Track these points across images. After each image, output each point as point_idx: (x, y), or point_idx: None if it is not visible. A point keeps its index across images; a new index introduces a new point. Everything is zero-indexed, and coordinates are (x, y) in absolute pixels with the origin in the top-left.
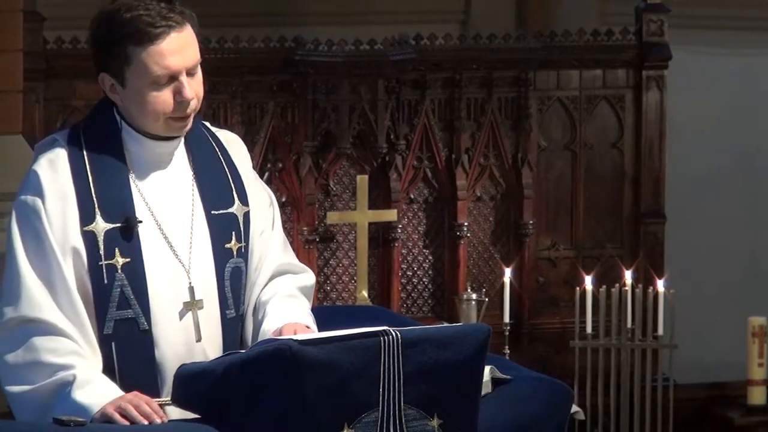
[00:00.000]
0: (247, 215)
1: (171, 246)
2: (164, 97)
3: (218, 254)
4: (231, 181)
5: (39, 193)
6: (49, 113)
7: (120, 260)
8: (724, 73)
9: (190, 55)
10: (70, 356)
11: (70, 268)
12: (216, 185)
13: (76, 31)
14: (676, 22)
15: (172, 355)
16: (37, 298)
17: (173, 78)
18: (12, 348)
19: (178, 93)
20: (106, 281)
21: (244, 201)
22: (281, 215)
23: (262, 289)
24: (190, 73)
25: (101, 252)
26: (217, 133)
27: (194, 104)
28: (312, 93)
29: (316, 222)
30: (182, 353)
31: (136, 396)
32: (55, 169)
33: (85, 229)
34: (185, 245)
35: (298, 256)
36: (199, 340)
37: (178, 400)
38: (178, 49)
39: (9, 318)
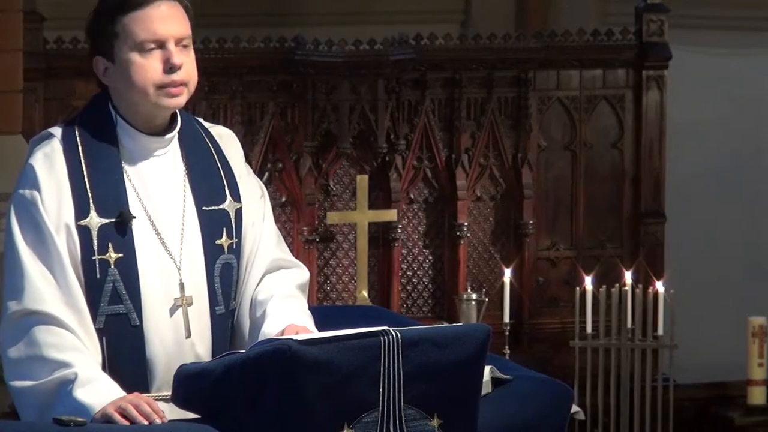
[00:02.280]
0: (239, 212)
1: (162, 242)
2: (151, 64)
3: (208, 250)
4: (223, 177)
5: (36, 186)
6: (49, 113)
7: (113, 255)
8: (724, 73)
9: (178, 26)
10: (71, 352)
11: (68, 260)
12: (208, 181)
13: (76, 31)
14: (676, 22)
15: (162, 351)
16: (40, 290)
17: (160, 45)
18: (15, 342)
19: (166, 61)
20: (98, 276)
21: (236, 197)
22: (281, 215)
23: (257, 284)
24: (181, 47)
25: (95, 247)
26: (210, 129)
27: (185, 76)
28: (312, 93)
29: (316, 222)
30: (172, 349)
31: (136, 396)
32: (51, 163)
33: (80, 223)
34: (176, 241)
35: (298, 256)
36: (188, 336)
37: (178, 400)
38: (166, 17)
39: (13, 311)
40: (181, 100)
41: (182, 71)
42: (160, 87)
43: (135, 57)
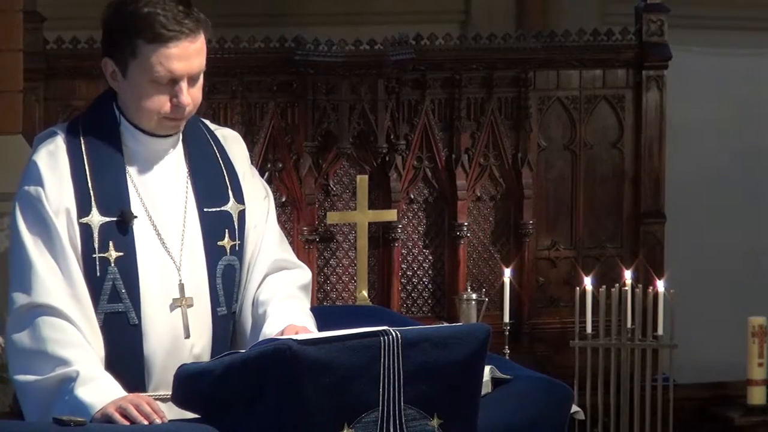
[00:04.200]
0: (242, 213)
1: (163, 242)
2: (161, 98)
3: (210, 252)
4: (227, 179)
5: (39, 182)
6: (49, 113)
7: (113, 254)
8: (724, 73)
9: (195, 64)
10: (74, 349)
11: (72, 253)
12: (211, 183)
13: (76, 31)
14: (676, 22)
15: (159, 351)
16: (46, 284)
17: (174, 82)
18: (21, 336)
19: (175, 97)
20: (98, 274)
21: (240, 199)
22: (281, 215)
23: (259, 285)
24: (191, 79)
25: (95, 245)
26: (216, 131)
27: (189, 110)
28: (312, 93)
29: (316, 222)
30: (170, 349)
31: (137, 396)
32: (55, 161)
33: (81, 221)
34: (177, 242)
35: (298, 256)
36: (187, 336)
37: (178, 400)
38: (186, 56)
39: (20, 305)
40: (182, 125)
41: (188, 107)
42: (164, 117)
43: (146, 86)
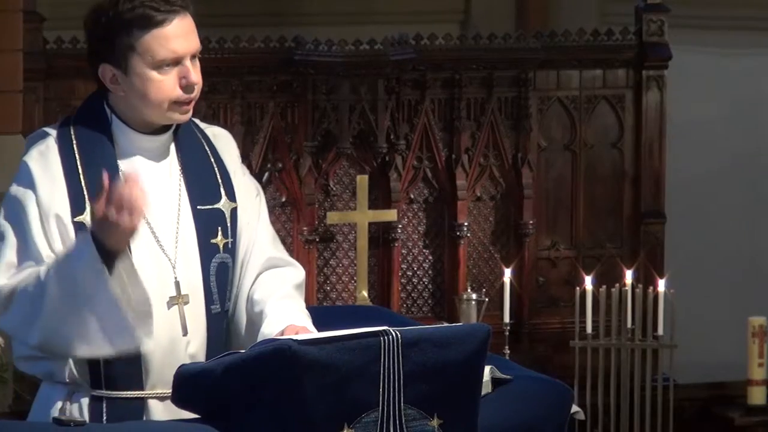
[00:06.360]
0: (234, 211)
1: (158, 240)
2: (169, 81)
3: (204, 249)
4: (218, 176)
5: (30, 184)
6: (49, 113)
7: None
8: (724, 73)
9: (193, 41)
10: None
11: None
12: (203, 181)
13: (76, 31)
14: (676, 22)
15: (157, 349)
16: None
17: (177, 62)
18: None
19: (183, 77)
20: None
21: (232, 197)
22: (281, 215)
23: (252, 283)
24: (192, 59)
25: None
26: (206, 130)
27: (198, 88)
28: (312, 93)
29: (316, 222)
30: (167, 347)
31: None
32: (46, 161)
33: (76, 220)
34: (171, 240)
35: (298, 256)
36: (185, 334)
37: (178, 400)
38: (183, 33)
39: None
40: (191, 113)
41: (197, 85)
42: (175, 102)
43: (152, 74)
